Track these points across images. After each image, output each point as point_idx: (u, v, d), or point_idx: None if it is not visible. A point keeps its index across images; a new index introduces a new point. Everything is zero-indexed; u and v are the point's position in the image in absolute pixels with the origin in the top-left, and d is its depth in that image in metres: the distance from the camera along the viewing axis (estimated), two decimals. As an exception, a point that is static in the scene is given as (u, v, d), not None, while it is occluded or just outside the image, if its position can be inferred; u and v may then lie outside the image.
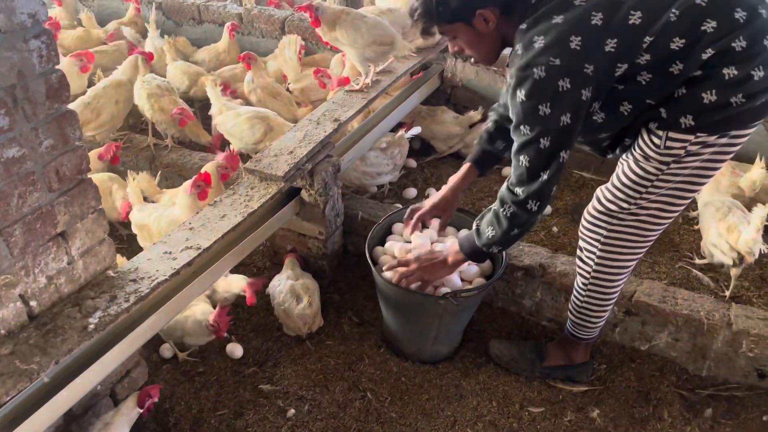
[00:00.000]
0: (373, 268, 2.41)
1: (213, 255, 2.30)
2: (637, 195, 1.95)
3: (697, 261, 2.94)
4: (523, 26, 1.79)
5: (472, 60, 3.74)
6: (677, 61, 1.70)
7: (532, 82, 1.72)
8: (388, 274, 2.36)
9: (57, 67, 1.76)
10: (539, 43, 1.72)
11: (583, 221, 2.17)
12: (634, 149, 1.89)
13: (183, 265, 2.12)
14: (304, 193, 2.72)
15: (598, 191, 2.11)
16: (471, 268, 2.45)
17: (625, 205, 1.99)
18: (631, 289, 2.52)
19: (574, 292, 2.33)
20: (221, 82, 3.53)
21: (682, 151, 1.79)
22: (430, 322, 2.41)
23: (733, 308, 2.42)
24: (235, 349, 2.62)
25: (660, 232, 2.07)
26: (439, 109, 3.79)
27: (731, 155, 1.86)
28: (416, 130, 3.53)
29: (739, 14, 1.65)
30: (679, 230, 3.20)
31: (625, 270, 2.19)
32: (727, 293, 2.68)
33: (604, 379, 2.50)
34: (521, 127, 1.82)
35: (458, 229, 2.65)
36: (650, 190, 1.91)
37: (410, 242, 2.52)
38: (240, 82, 3.92)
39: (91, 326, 1.86)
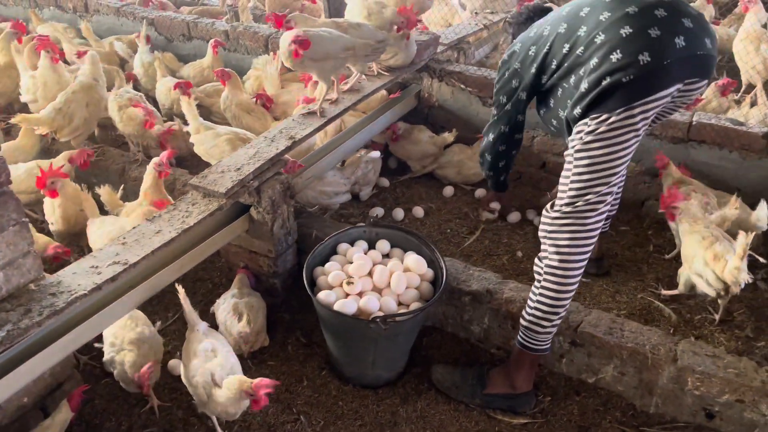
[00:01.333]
0: (308, 289, 2.37)
1: (143, 271, 2.29)
2: (565, 187, 2.15)
3: (664, 292, 2.82)
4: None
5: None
6: (568, 60, 2.19)
7: (497, 72, 2.67)
8: (321, 295, 2.32)
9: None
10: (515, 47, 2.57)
11: (540, 224, 2.28)
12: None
13: (106, 280, 2.11)
14: (252, 211, 2.70)
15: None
16: (409, 292, 2.40)
17: (565, 201, 2.14)
18: (578, 319, 2.43)
19: (530, 294, 2.30)
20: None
21: (582, 135, 2.08)
22: (366, 346, 2.36)
23: (680, 343, 2.32)
24: (176, 366, 2.60)
25: (600, 221, 2.15)
26: (416, 128, 3.75)
27: (631, 134, 2.04)
28: (375, 153, 3.51)
29: (603, 16, 2.06)
30: (648, 259, 3.09)
31: (574, 272, 2.18)
32: (717, 317, 2.63)
33: (546, 412, 2.41)
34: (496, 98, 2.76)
35: (405, 250, 2.60)
36: (572, 178, 2.12)
37: (353, 263, 2.48)
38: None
39: (-2, 339, 1.85)
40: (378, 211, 3.47)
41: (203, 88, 4.22)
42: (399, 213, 3.45)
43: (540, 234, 2.26)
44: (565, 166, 2.16)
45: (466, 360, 2.65)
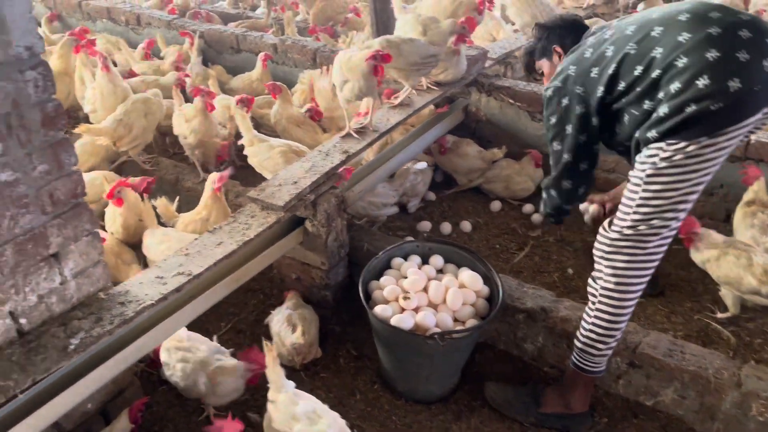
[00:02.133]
0: (365, 303, 2.39)
1: (205, 282, 2.33)
2: (630, 210, 2.04)
3: (720, 315, 2.77)
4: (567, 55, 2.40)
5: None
6: (641, 84, 2.02)
7: (546, 99, 2.35)
8: (378, 310, 2.34)
9: (54, 96, 1.84)
10: (562, 66, 2.33)
11: (595, 243, 2.22)
12: (631, 167, 2.10)
13: (171, 291, 2.15)
14: (307, 224, 2.73)
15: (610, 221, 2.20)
16: (465, 308, 2.39)
17: (626, 224, 2.06)
18: (636, 340, 2.40)
19: (584, 315, 2.27)
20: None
21: (656, 159, 1.95)
22: (421, 361, 2.36)
23: (744, 367, 2.26)
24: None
25: (664, 247, 2.08)
26: (464, 141, 3.76)
27: (710, 163, 1.92)
28: (422, 165, 3.52)
29: (683, 37, 1.93)
30: (702, 279, 3.03)
31: (632, 294, 2.13)
32: None
33: (603, 434, 2.38)
34: (547, 135, 2.41)
35: (458, 266, 2.60)
36: (639, 202, 2.02)
37: (407, 277, 2.49)
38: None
39: (72, 347, 1.91)
40: (425, 225, 3.48)
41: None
42: (446, 227, 3.45)
43: (595, 253, 2.21)
44: (630, 187, 2.05)
45: (519, 378, 2.63)
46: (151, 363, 2.58)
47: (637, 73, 2.01)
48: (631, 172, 2.08)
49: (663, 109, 1.92)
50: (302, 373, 2.66)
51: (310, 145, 3.38)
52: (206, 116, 3.28)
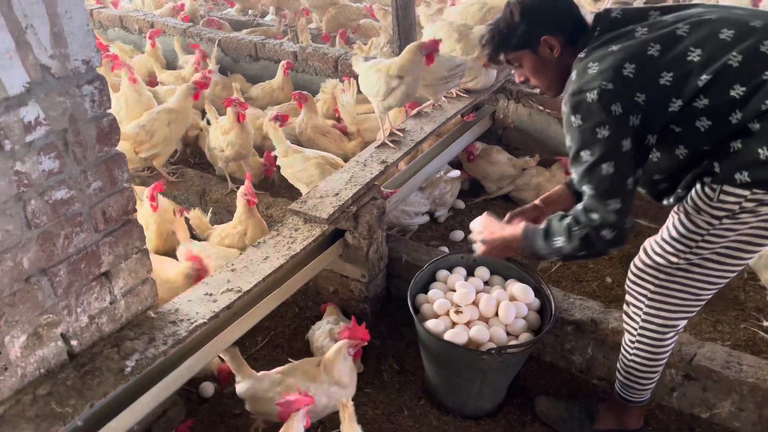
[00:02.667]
0: (415, 318, 2.33)
1: (253, 297, 2.28)
2: (686, 249, 1.85)
3: (766, 323, 2.74)
4: (582, 54, 1.81)
5: (538, 91, 3.65)
6: (736, 110, 1.64)
7: (586, 105, 1.70)
8: (430, 324, 2.28)
9: (108, 111, 1.79)
10: (593, 68, 1.73)
11: (629, 274, 2.07)
12: (687, 201, 1.81)
13: (222, 308, 2.10)
14: (348, 236, 2.68)
15: (646, 243, 2.01)
16: (518, 321, 2.35)
17: (674, 260, 1.89)
18: (691, 352, 2.35)
19: (622, 350, 2.20)
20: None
21: (736, 207, 1.69)
22: (474, 376, 2.31)
23: (805, 379, 2.22)
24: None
25: (713, 291, 1.94)
26: (494, 149, 3.71)
27: None
28: (455, 173, 3.48)
29: None
30: (744, 286, 3.00)
31: (674, 329, 2.06)
32: None
33: (660, 448, 2.33)
34: (581, 154, 1.76)
35: (505, 278, 2.55)
36: (701, 245, 1.82)
37: (455, 290, 2.45)
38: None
39: (128, 369, 1.85)
40: (458, 235, 3.43)
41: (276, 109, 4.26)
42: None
43: (630, 286, 2.06)
44: (681, 218, 1.83)
45: (567, 391, 2.59)
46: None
47: (734, 94, 1.63)
48: (686, 205, 1.81)
49: (766, 152, 1.60)
50: (346, 389, 2.61)
51: (337, 155, 3.33)
52: (242, 128, 3.21)
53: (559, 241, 1.86)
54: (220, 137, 3.30)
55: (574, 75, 1.78)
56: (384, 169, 2.82)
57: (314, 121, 3.75)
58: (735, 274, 1.91)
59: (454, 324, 2.33)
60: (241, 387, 2.24)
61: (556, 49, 1.87)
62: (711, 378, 2.30)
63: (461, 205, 3.69)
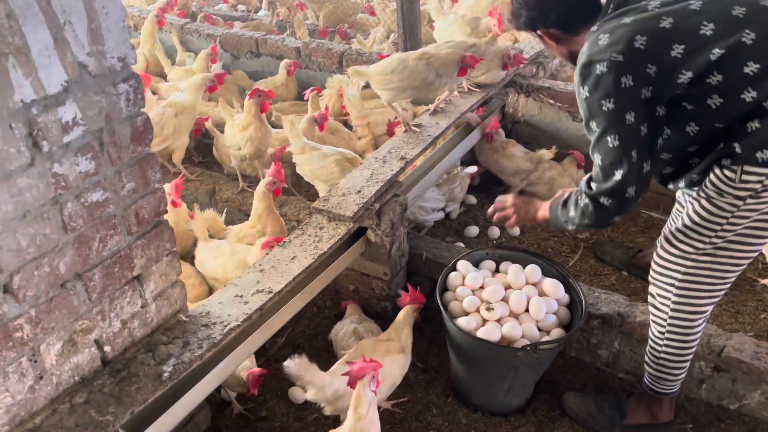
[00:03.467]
0: (445, 315, 2.31)
1: (282, 298, 2.24)
2: (712, 233, 1.86)
3: (785, 311, 2.76)
4: (594, 27, 1.86)
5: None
6: (749, 88, 1.67)
7: (595, 77, 1.75)
8: (462, 322, 2.26)
9: (143, 110, 1.73)
10: (604, 40, 1.76)
11: (653, 266, 2.07)
12: (706, 186, 1.82)
13: (255, 310, 2.06)
14: (370, 233, 2.65)
15: (665, 232, 2.01)
16: (549, 317, 2.33)
17: (700, 245, 1.90)
18: (719, 344, 2.36)
19: (650, 342, 2.20)
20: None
21: (758, 186, 1.71)
22: (505, 373, 2.29)
23: (834, 368, 2.24)
24: (298, 394, 2.54)
25: (738, 272, 1.96)
26: (510, 142, 3.66)
27: None
28: (472, 169, 3.47)
29: None
30: (760, 276, 3.02)
31: (704, 314, 2.06)
32: None
33: (692, 441, 2.34)
34: (590, 124, 1.83)
35: (532, 273, 2.53)
36: (726, 227, 1.83)
37: (483, 287, 2.43)
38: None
39: (166, 374, 1.80)
40: (473, 231, 3.41)
41: (279, 106, 4.21)
42: (494, 231, 3.40)
43: (656, 277, 2.05)
44: (703, 204, 1.83)
45: (594, 386, 2.58)
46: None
47: (748, 71, 1.64)
48: (706, 189, 1.81)
49: None
50: (372, 388, 2.58)
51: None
52: (262, 121, 3.13)
53: (572, 209, 1.99)
54: (237, 134, 3.23)
55: (585, 47, 1.81)
56: (404, 165, 2.79)
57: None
58: (758, 252, 1.93)
59: (484, 321, 2.31)
60: (314, 394, 2.10)
61: (555, 37, 1.99)
62: (741, 369, 2.31)
63: (473, 200, 3.67)
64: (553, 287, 2.39)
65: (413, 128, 3.07)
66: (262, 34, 4.75)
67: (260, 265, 2.27)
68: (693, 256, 1.93)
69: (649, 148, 1.80)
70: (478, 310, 2.34)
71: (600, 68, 1.72)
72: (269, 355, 2.77)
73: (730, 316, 2.80)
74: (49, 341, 1.65)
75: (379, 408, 2.17)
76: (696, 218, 1.87)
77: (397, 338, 2.33)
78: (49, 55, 1.45)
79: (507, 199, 2.31)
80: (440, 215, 3.35)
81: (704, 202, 1.83)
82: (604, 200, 1.86)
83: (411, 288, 2.46)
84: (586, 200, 1.91)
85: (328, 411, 2.18)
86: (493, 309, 2.29)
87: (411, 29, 4.21)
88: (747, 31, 1.66)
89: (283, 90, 4.32)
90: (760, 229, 1.83)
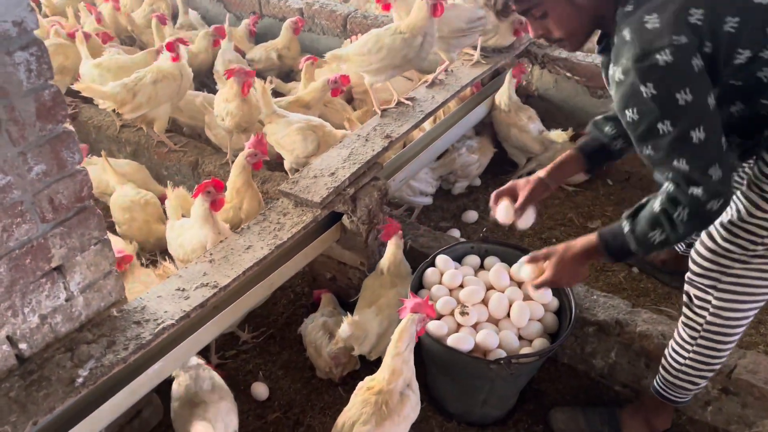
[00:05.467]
0: (415, 317, 2.06)
1: (232, 293, 2.03)
2: (765, 233, 1.62)
3: (813, 323, 2.43)
4: (629, 7, 1.52)
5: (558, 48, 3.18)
6: None
7: (661, 70, 1.43)
8: (431, 327, 2.02)
9: (51, 82, 1.51)
10: (653, 22, 1.45)
11: (692, 265, 1.80)
12: (758, 180, 1.60)
13: (195, 307, 1.86)
14: (345, 220, 2.41)
15: (711, 228, 1.72)
16: (533, 324, 2.07)
17: (750, 246, 1.65)
18: (730, 363, 2.06)
19: (675, 346, 1.93)
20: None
21: None
22: (480, 385, 2.05)
23: None
24: (260, 390, 2.37)
25: None
26: (528, 112, 3.28)
27: None
28: (472, 158, 3.18)
29: None
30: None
31: (745, 322, 1.80)
32: None
33: (690, 469, 2.07)
34: (659, 126, 1.48)
35: (510, 265, 2.24)
36: None
37: (462, 286, 2.17)
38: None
39: (80, 380, 1.62)
40: (471, 216, 3.14)
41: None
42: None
43: (694, 278, 1.80)
44: (758, 200, 1.61)
45: (586, 397, 2.32)
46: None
47: None
48: (760, 183, 1.60)
49: None
50: (341, 389, 2.38)
51: (338, 126, 3.02)
52: (244, 100, 2.89)
53: (658, 235, 1.59)
54: (221, 104, 2.99)
55: (627, 34, 1.48)
56: (388, 145, 2.51)
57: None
58: None
59: (459, 326, 2.07)
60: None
61: None
62: (752, 394, 2.02)
63: (477, 182, 3.38)
64: (541, 290, 2.11)
65: (405, 101, 2.78)
66: (266, -7, 4.47)
67: (211, 254, 2.05)
68: (742, 257, 1.68)
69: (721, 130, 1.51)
70: (453, 313, 2.09)
71: (663, 57, 1.41)
72: (238, 347, 2.59)
73: (751, 326, 2.46)
74: (-55, 341, 1.48)
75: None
76: (745, 216, 1.63)
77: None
78: None
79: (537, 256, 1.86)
80: (427, 201, 3.07)
81: (756, 198, 1.60)
82: (713, 203, 1.50)
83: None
84: (694, 209, 1.52)
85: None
86: (468, 314, 2.04)
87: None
88: None
89: (286, 52, 4.04)
90: None
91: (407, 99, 2.81)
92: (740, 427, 2.11)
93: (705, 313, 1.81)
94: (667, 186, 1.56)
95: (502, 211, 1.97)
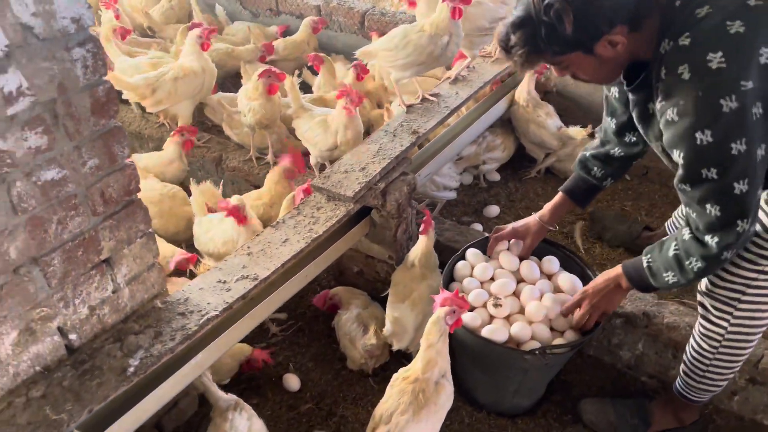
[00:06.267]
0: (448, 309, 2.10)
1: (270, 284, 2.07)
2: None
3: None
4: (685, 42, 1.43)
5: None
6: None
7: (724, 118, 1.38)
8: (466, 318, 2.05)
9: (105, 78, 1.55)
10: (718, 62, 1.37)
11: (712, 277, 1.79)
12: None
13: (237, 299, 1.89)
14: (375, 214, 2.44)
15: None
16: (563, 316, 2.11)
17: None
18: (757, 353, 2.10)
19: (695, 354, 1.94)
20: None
21: None
22: (513, 375, 2.09)
23: None
24: (292, 381, 2.41)
25: None
26: (546, 108, 3.30)
27: None
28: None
29: None
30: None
31: (764, 327, 1.82)
32: None
33: (719, 457, 2.11)
34: (703, 172, 1.46)
35: (540, 258, 2.29)
36: None
37: (493, 279, 2.21)
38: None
39: (131, 369, 1.66)
40: (493, 210, 3.17)
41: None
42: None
43: (715, 291, 1.79)
44: None
45: (613, 388, 2.37)
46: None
47: None
48: None
49: None
50: (371, 380, 2.42)
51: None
52: (269, 99, 2.93)
53: (670, 276, 1.67)
54: (244, 100, 3.03)
55: (686, 73, 1.41)
56: (415, 140, 2.55)
57: (333, 84, 3.47)
58: None
59: (491, 318, 2.10)
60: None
61: (620, 44, 1.51)
62: (780, 384, 2.06)
63: (497, 176, 3.42)
64: (571, 283, 2.15)
65: (430, 98, 2.82)
66: (282, -10, 4.49)
67: (249, 247, 2.09)
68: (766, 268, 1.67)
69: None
70: (485, 305, 2.13)
71: (728, 105, 1.36)
72: (268, 339, 2.63)
73: (772, 318, 2.51)
74: (2, 330, 1.52)
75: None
76: None
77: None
78: (-16, 15, 1.27)
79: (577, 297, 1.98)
80: (451, 195, 3.10)
81: None
82: (726, 254, 1.54)
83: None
84: (706, 263, 1.57)
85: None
86: (501, 305, 2.08)
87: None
88: None
89: (305, 47, 4.06)
90: None
91: (432, 95, 2.84)
92: (766, 415, 2.15)
93: (726, 324, 1.81)
94: (683, 231, 1.60)
95: (507, 261, 2.22)
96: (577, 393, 2.35)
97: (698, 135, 1.42)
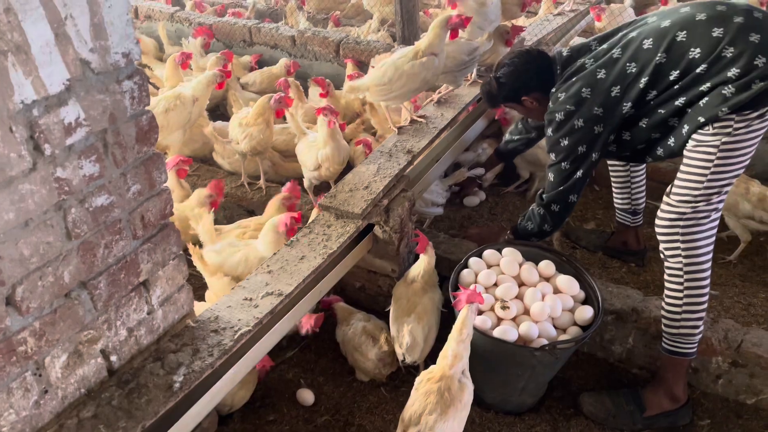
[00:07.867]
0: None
1: (292, 299, 2.16)
2: (699, 185, 2.12)
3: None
4: (554, 89, 2.44)
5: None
6: (678, 82, 2.14)
7: (556, 123, 2.38)
8: (477, 321, 2.20)
9: (147, 108, 1.64)
10: (561, 96, 2.37)
11: (658, 230, 2.24)
12: (692, 150, 2.15)
13: (266, 314, 1.98)
14: (377, 230, 2.57)
15: (665, 198, 2.23)
16: (565, 315, 2.28)
17: (694, 192, 2.13)
18: (737, 338, 2.33)
19: (669, 300, 2.24)
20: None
21: (729, 129, 2.05)
22: (521, 373, 2.24)
23: None
24: (306, 396, 2.48)
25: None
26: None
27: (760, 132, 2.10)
28: (479, 171, 3.40)
29: (716, 32, 2.06)
30: (769, 267, 2.99)
31: (710, 255, 2.20)
32: None
33: (710, 437, 2.31)
34: (551, 155, 2.47)
35: (537, 263, 2.47)
36: (711, 177, 2.11)
37: (497, 284, 2.37)
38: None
39: (177, 384, 1.73)
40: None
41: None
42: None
43: (663, 239, 2.22)
44: (695, 164, 2.13)
45: (607, 381, 2.55)
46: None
47: (672, 77, 2.13)
48: (691, 155, 2.14)
49: (726, 90, 2.01)
50: (383, 389, 2.52)
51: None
52: (269, 125, 3.04)
53: (529, 224, 2.62)
54: (237, 128, 3.12)
55: (550, 103, 2.43)
56: (411, 159, 2.71)
57: (304, 108, 3.62)
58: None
59: (499, 320, 2.26)
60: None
61: (536, 101, 2.54)
62: (760, 364, 2.28)
63: (482, 195, 3.59)
64: (569, 284, 2.34)
65: (419, 119, 2.99)
66: (256, 22, 4.63)
67: (268, 266, 2.19)
68: (680, 213, 2.17)
69: (594, 167, 2.44)
70: (492, 309, 2.29)
71: (558, 116, 2.36)
72: (280, 360, 2.69)
73: (742, 308, 2.77)
74: (54, 354, 1.57)
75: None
76: (687, 180, 2.16)
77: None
78: (50, 52, 1.35)
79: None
80: (439, 210, 3.27)
81: (687, 167, 2.16)
82: (556, 206, 2.50)
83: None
84: (543, 210, 2.54)
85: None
86: (508, 308, 2.24)
87: (409, 17, 4.12)
88: (659, 54, 2.14)
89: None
90: (736, 171, 2.12)
91: (420, 117, 3.01)
92: (748, 396, 2.37)
93: (681, 266, 2.17)
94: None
95: (507, 267, 2.46)
96: (575, 389, 2.52)
97: (548, 131, 2.45)
